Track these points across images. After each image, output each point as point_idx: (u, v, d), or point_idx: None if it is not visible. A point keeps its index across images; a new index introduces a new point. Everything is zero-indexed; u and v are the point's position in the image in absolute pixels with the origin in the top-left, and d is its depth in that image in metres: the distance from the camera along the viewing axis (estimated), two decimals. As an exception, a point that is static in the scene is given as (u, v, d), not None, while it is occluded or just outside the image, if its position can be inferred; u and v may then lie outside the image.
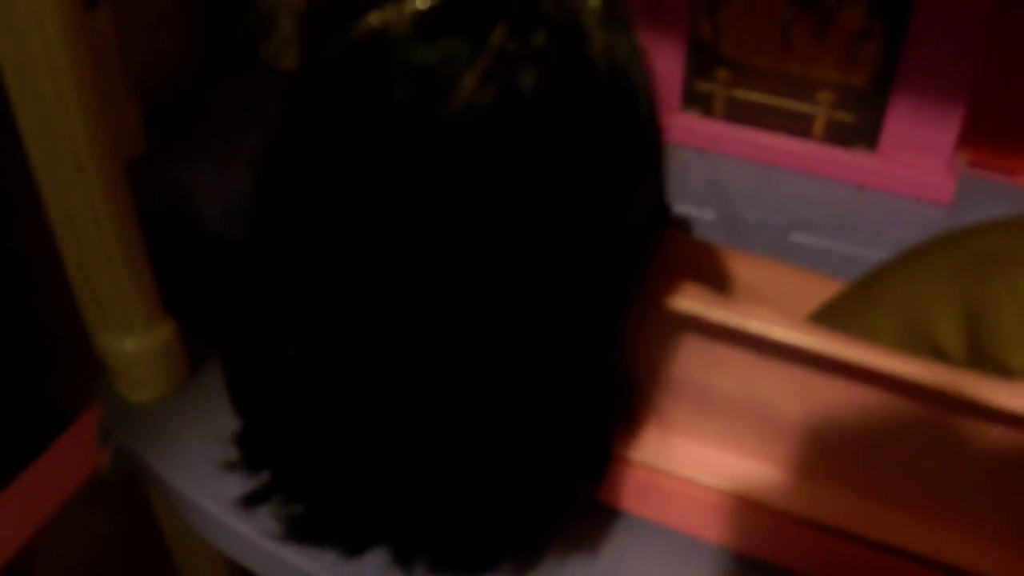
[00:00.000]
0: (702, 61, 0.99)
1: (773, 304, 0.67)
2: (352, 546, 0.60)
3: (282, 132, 0.49)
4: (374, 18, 0.44)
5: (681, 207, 0.88)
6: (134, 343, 0.72)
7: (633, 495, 0.63)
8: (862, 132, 0.98)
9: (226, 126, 1.05)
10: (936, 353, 0.56)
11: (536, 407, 0.53)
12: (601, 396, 0.56)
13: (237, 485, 0.64)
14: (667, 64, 1.00)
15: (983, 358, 0.55)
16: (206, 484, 0.67)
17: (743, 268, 0.69)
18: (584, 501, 0.64)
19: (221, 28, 1.20)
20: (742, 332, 0.54)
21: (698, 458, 0.61)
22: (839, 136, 0.98)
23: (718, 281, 0.67)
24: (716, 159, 0.99)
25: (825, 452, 0.58)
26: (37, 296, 0.91)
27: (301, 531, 0.61)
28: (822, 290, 0.68)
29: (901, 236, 0.92)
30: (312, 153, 0.48)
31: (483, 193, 0.45)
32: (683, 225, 0.85)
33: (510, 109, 0.44)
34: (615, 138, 0.47)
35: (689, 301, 0.55)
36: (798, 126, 0.99)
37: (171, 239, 0.90)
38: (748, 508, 0.60)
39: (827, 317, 0.63)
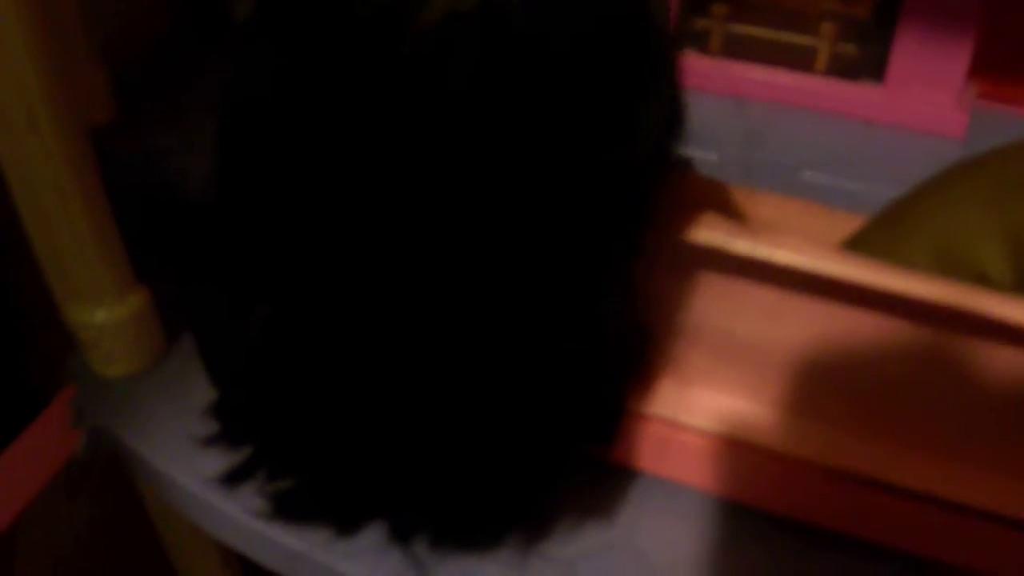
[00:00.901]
0: (696, -4, 0.94)
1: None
2: (345, 522, 0.55)
3: (237, 72, 0.44)
4: None
5: (683, 149, 0.84)
6: (104, 314, 0.67)
7: (650, 453, 0.58)
8: (868, 65, 0.93)
9: (200, 88, 1.00)
10: (981, 277, 0.52)
11: (535, 362, 0.48)
12: (609, 348, 0.51)
13: (219, 461, 0.59)
14: None
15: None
16: (186, 462, 0.62)
17: (756, 206, 0.64)
18: (597, 462, 0.59)
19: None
20: (771, 264, 0.49)
21: (719, 409, 0.56)
22: (844, 70, 0.94)
23: (730, 216, 0.62)
24: (715, 99, 0.94)
25: (861, 399, 0.53)
26: (4, 268, 0.87)
27: (289, 508, 0.55)
28: (841, 225, 0.64)
29: (914, 172, 0.87)
30: (271, 88, 0.43)
31: (466, 118, 0.39)
32: (685, 166, 0.81)
33: (495, 15, 0.38)
34: (618, 47, 0.42)
35: (710, 233, 0.50)
36: (800, 61, 0.94)
37: (145, 206, 0.85)
38: (775, 462, 0.55)
39: (856, 246, 0.58)
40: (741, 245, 0.49)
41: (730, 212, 0.62)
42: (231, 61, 0.44)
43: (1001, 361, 0.49)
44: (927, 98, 0.91)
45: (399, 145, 0.40)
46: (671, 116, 0.48)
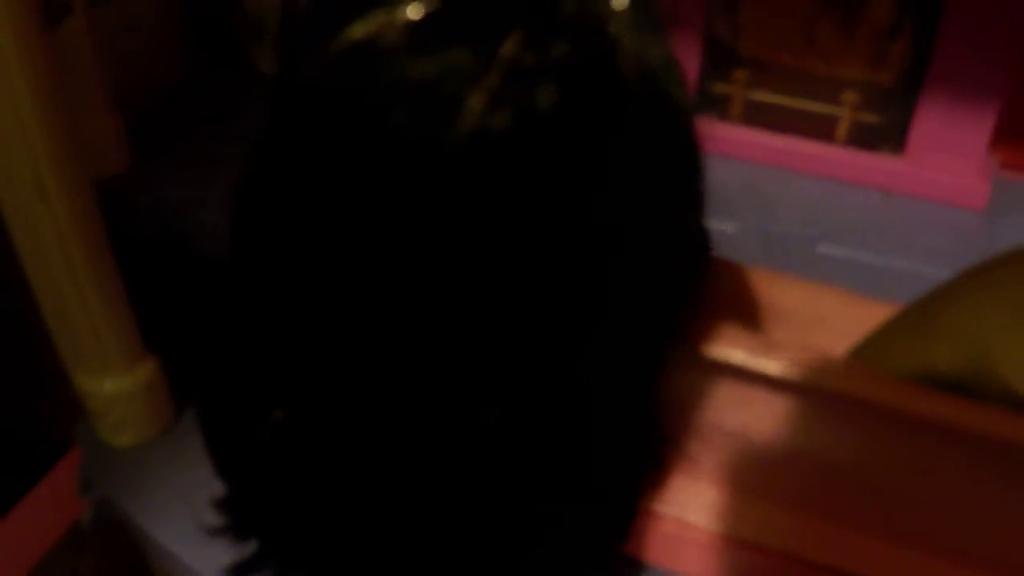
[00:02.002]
0: (718, 61, 0.94)
1: (812, 332, 0.61)
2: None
3: (258, 162, 0.43)
4: (358, 29, 0.38)
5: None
6: (113, 384, 0.66)
7: (660, 548, 0.57)
8: (889, 134, 0.92)
9: (216, 137, 1.00)
10: (1005, 392, 0.51)
11: (554, 464, 0.47)
12: (631, 446, 0.50)
13: (225, 546, 0.58)
14: (683, 66, 0.94)
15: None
16: (193, 542, 0.61)
17: (776, 291, 0.63)
18: (610, 557, 0.58)
19: (208, 32, 1.15)
20: (786, 380, 0.48)
21: (731, 510, 0.56)
22: (865, 139, 0.93)
23: (751, 308, 0.61)
24: (735, 165, 0.94)
25: (872, 504, 0.52)
26: (13, 328, 0.86)
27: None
28: (861, 313, 0.63)
29: (934, 244, 0.87)
30: (291, 188, 0.42)
31: (495, 230, 0.39)
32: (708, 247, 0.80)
33: (526, 133, 0.37)
34: (649, 161, 0.41)
35: (729, 348, 0.49)
36: (821, 129, 0.93)
37: (157, 260, 0.85)
38: (785, 563, 0.54)
39: (880, 351, 0.57)
40: (760, 363, 0.48)
41: (750, 299, 0.62)
42: (253, 143, 0.44)
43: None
44: (948, 168, 0.90)
45: (427, 258, 0.39)
46: (697, 220, 0.47)
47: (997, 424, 0.47)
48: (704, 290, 0.51)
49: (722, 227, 0.83)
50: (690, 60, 0.94)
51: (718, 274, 0.62)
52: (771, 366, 0.48)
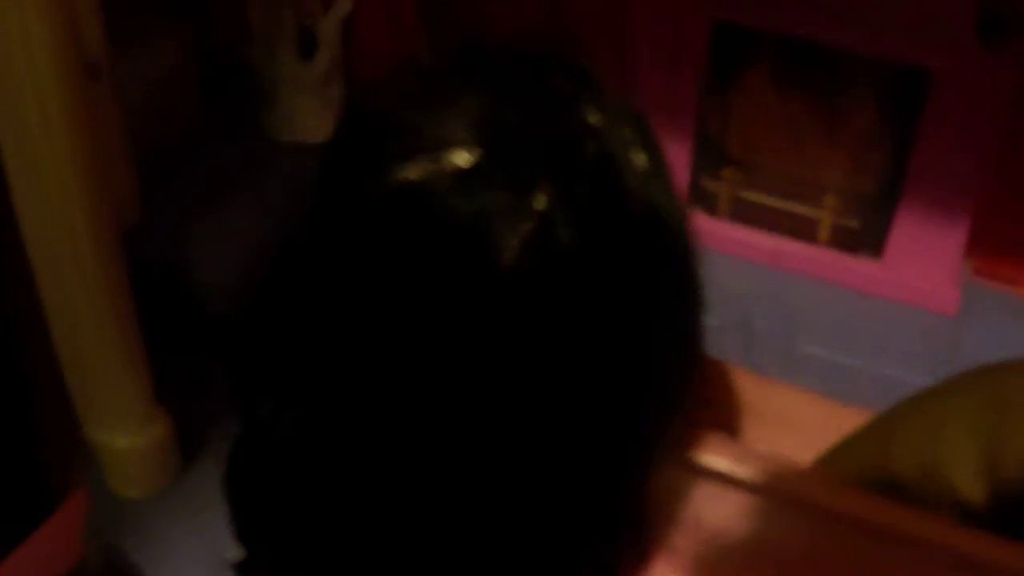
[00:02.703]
0: (709, 159, 0.98)
1: (789, 434, 0.65)
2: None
3: (294, 270, 0.47)
4: (412, 172, 0.42)
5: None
6: (126, 440, 0.70)
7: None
8: (868, 238, 0.97)
9: (224, 199, 1.03)
10: (956, 499, 0.55)
11: (545, 547, 0.51)
12: (617, 536, 0.54)
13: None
14: (674, 161, 0.98)
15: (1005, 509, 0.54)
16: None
17: (755, 391, 0.67)
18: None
19: (221, 98, 1.18)
20: (768, 487, 0.52)
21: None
22: (845, 241, 0.97)
23: (732, 407, 0.65)
24: (720, 260, 0.98)
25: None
26: (20, 368, 0.89)
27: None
28: (832, 417, 0.67)
29: (905, 347, 0.91)
30: (325, 302, 0.46)
31: (517, 347, 0.43)
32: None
33: (550, 267, 0.42)
34: (653, 288, 0.45)
35: (715, 456, 0.53)
36: (804, 229, 0.98)
37: (165, 317, 0.88)
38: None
39: (848, 458, 0.61)
40: (745, 471, 0.53)
41: (732, 399, 0.66)
42: (292, 255, 0.47)
43: None
44: (923, 273, 0.95)
45: (460, 375, 0.43)
46: (695, 338, 0.51)
47: (953, 536, 0.51)
48: (696, 394, 0.55)
49: (706, 320, 0.87)
50: (682, 156, 0.98)
51: (714, 378, 0.66)
52: (750, 474, 0.53)
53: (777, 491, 0.52)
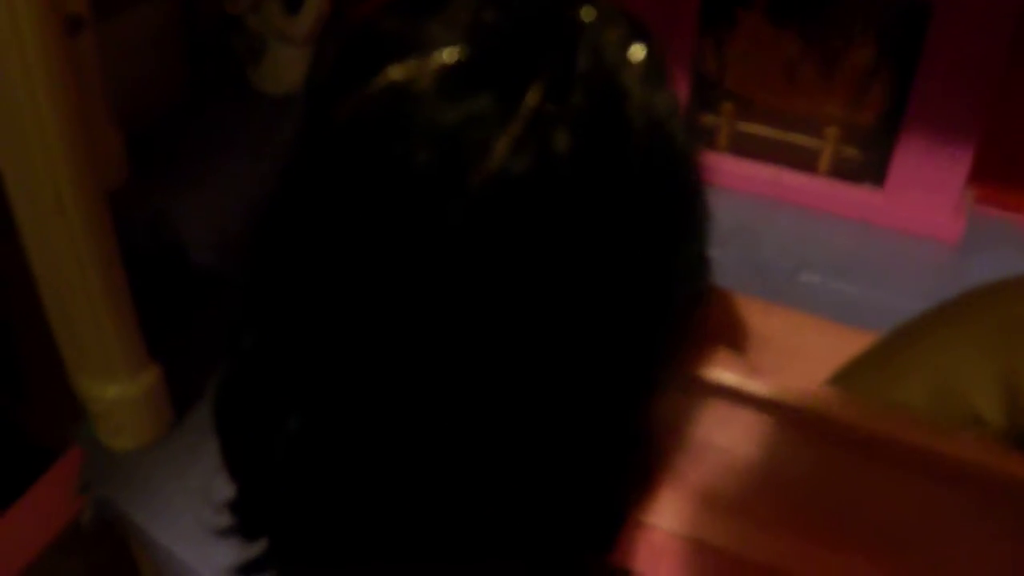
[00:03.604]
0: (706, 95, 0.97)
1: (793, 358, 0.64)
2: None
3: (284, 194, 0.45)
4: (395, 72, 0.40)
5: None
6: (117, 390, 0.68)
7: (647, 559, 0.60)
8: (869, 168, 0.95)
9: (213, 153, 1.02)
10: (975, 420, 0.53)
11: (552, 474, 0.49)
12: (623, 462, 0.52)
13: (225, 547, 0.60)
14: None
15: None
16: (191, 543, 0.63)
17: (761, 318, 0.66)
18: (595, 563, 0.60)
19: (208, 52, 1.17)
20: (777, 404, 0.51)
21: (714, 523, 0.58)
22: (846, 172, 0.96)
23: (738, 334, 0.64)
24: (721, 194, 0.96)
25: (849, 525, 0.55)
26: (17, 326, 0.88)
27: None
28: (839, 342, 0.66)
29: (908, 277, 0.90)
30: (318, 219, 0.44)
31: (513, 266, 0.41)
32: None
33: (545, 176, 0.40)
34: (655, 202, 0.43)
35: (722, 372, 0.52)
36: (804, 161, 0.96)
37: (155, 271, 0.87)
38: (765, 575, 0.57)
39: (855, 381, 0.60)
40: (752, 385, 0.51)
41: (737, 325, 0.64)
42: (279, 174, 0.46)
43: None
44: (926, 203, 0.93)
45: (448, 288, 0.42)
46: (700, 256, 0.50)
47: (967, 451, 0.49)
48: (702, 318, 0.53)
49: (709, 254, 0.86)
50: (679, 92, 0.96)
51: (716, 305, 0.64)
52: (759, 389, 0.51)
53: (787, 408, 0.50)
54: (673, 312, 0.47)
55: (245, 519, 0.55)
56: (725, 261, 0.86)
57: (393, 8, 0.43)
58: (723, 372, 0.52)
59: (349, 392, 0.46)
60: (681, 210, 0.45)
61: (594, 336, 0.44)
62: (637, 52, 0.42)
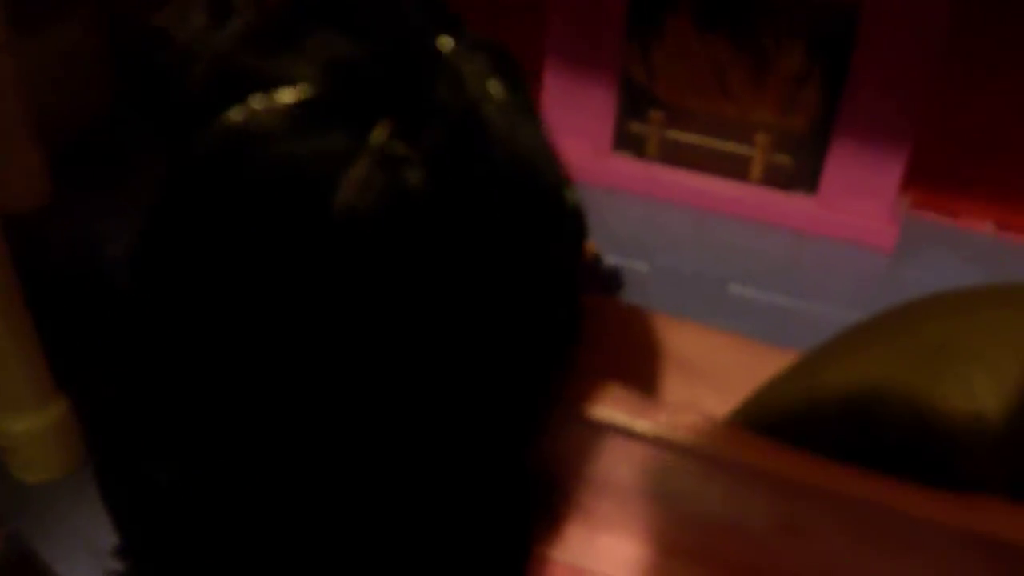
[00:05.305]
0: (635, 102, 0.95)
1: (710, 380, 0.63)
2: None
3: (148, 228, 0.44)
4: (236, 113, 0.39)
5: (613, 258, 0.84)
6: (24, 424, 0.67)
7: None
8: (802, 176, 0.94)
9: (136, 170, 1.00)
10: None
11: (442, 510, 0.48)
12: (518, 497, 0.51)
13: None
14: (599, 106, 0.95)
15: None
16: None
17: (677, 338, 0.65)
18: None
19: (133, 68, 1.15)
20: (666, 442, 0.50)
21: (624, 557, 0.57)
22: (778, 180, 0.95)
23: (650, 356, 0.63)
24: (650, 204, 0.96)
25: (743, 556, 0.54)
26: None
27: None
28: (760, 361, 0.64)
29: (841, 286, 0.89)
30: (180, 255, 0.43)
31: (375, 303, 0.40)
32: (615, 279, 0.81)
33: (397, 213, 0.39)
34: (521, 238, 0.42)
35: (612, 410, 0.51)
36: (735, 169, 0.96)
37: (76, 294, 0.85)
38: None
39: (768, 402, 0.59)
40: (640, 424, 0.50)
41: (650, 347, 0.63)
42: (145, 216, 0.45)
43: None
44: (859, 210, 0.93)
45: (312, 326, 0.41)
46: (571, 291, 0.49)
47: (865, 486, 0.49)
48: (599, 327, 0.52)
49: (635, 266, 0.85)
50: (608, 101, 0.95)
51: (619, 318, 0.64)
52: (648, 427, 0.50)
53: (677, 445, 0.49)
54: (541, 348, 0.46)
55: (132, 565, 0.54)
56: (653, 273, 0.86)
57: (250, 41, 0.42)
58: (611, 410, 0.51)
59: (217, 439, 0.45)
60: (548, 245, 0.44)
61: (464, 371, 0.43)
62: (498, 84, 0.41)
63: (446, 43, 0.41)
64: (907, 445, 0.53)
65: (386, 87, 0.39)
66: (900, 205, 0.94)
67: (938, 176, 0.96)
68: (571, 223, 0.46)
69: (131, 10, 1.16)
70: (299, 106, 0.39)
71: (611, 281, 0.79)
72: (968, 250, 0.93)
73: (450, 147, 0.39)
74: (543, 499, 0.56)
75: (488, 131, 0.40)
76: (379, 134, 0.38)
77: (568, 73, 0.94)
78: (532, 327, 0.45)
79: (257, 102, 0.39)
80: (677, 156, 0.97)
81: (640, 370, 0.62)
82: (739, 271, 0.88)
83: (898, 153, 0.90)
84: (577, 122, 0.96)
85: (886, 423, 0.53)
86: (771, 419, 0.57)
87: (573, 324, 0.50)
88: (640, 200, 0.96)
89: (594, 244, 0.80)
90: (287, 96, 0.39)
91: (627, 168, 0.97)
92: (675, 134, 0.96)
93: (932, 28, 0.84)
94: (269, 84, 0.39)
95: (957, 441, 0.51)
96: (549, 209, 0.44)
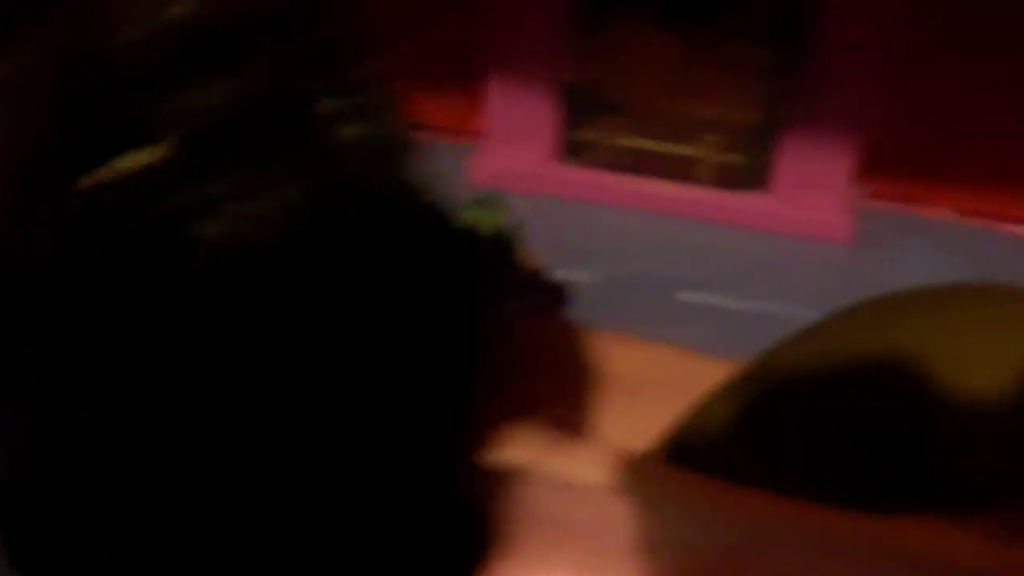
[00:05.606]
0: (580, 108, 0.94)
1: (648, 395, 0.62)
2: None
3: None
4: (101, 174, 0.38)
5: (561, 268, 0.83)
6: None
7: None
8: (753, 174, 0.93)
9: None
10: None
11: (366, 547, 0.47)
12: (441, 534, 0.50)
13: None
14: (543, 113, 0.94)
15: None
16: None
17: (619, 356, 0.63)
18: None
19: (91, 94, 1.13)
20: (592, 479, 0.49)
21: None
22: (729, 180, 0.93)
23: (590, 377, 0.61)
24: (598, 211, 0.94)
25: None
26: None
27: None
28: (704, 373, 0.63)
29: (798, 283, 0.87)
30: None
31: (242, 354, 0.39)
32: (558, 295, 0.80)
33: (257, 265, 0.38)
34: (394, 270, 0.41)
35: (521, 452, 0.50)
36: (685, 171, 0.94)
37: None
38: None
39: (711, 413, 0.58)
40: (545, 465, 0.49)
41: (586, 369, 0.62)
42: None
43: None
44: (814, 204, 0.91)
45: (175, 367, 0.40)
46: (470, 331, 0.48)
47: (802, 515, 0.47)
48: (533, 348, 0.52)
49: (580, 276, 0.83)
50: (550, 108, 0.94)
51: (553, 340, 0.62)
52: (562, 467, 0.49)
53: (603, 482, 0.48)
54: (440, 387, 0.45)
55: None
56: (601, 282, 0.85)
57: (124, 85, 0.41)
58: (522, 452, 0.50)
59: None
60: (426, 275, 0.44)
61: (359, 410, 0.42)
62: (359, 130, 0.40)
63: (318, 95, 0.40)
64: (900, 442, 0.52)
65: (240, 137, 0.38)
66: (856, 196, 0.93)
67: (897, 165, 0.94)
68: (460, 259, 0.45)
69: (86, 39, 1.15)
70: (156, 167, 0.38)
71: (554, 295, 0.77)
72: (930, 238, 0.92)
73: (311, 195, 0.38)
74: (473, 536, 0.55)
75: (352, 179, 0.39)
76: (228, 190, 0.37)
77: (510, 80, 0.93)
78: (427, 362, 0.44)
79: (118, 162, 0.38)
80: (625, 162, 0.95)
81: (579, 394, 0.60)
82: (691, 275, 0.86)
83: (849, 144, 0.90)
84: (521, 130, 0.94)
85: (869, 422, 0.53)
86: (715, 430, 0.56)
87: (479, 354, 0.49)
88: (588, 208, 0.94)
89: (535, 256, 0.78)
90: (147, 156, 0.38)
91: (574, 176, 0.96)
92: (622, 139, 0.94)
93: (888, 17, 0.83)
94: (134, 140, 0.38)
95: (952, 438, 0.50)
96: (426, 260, 0.43)
